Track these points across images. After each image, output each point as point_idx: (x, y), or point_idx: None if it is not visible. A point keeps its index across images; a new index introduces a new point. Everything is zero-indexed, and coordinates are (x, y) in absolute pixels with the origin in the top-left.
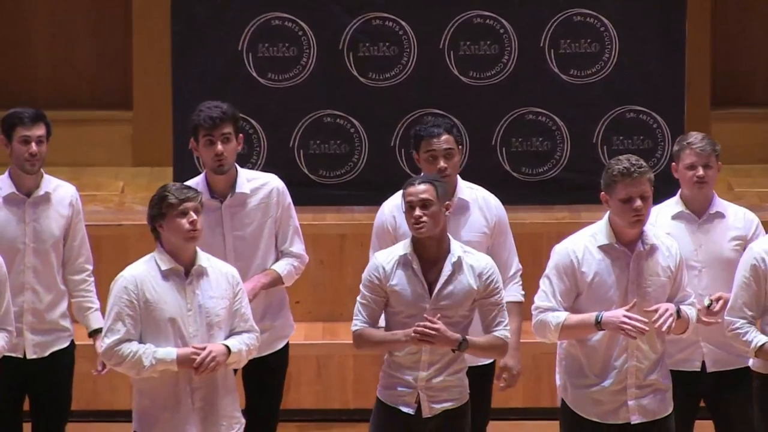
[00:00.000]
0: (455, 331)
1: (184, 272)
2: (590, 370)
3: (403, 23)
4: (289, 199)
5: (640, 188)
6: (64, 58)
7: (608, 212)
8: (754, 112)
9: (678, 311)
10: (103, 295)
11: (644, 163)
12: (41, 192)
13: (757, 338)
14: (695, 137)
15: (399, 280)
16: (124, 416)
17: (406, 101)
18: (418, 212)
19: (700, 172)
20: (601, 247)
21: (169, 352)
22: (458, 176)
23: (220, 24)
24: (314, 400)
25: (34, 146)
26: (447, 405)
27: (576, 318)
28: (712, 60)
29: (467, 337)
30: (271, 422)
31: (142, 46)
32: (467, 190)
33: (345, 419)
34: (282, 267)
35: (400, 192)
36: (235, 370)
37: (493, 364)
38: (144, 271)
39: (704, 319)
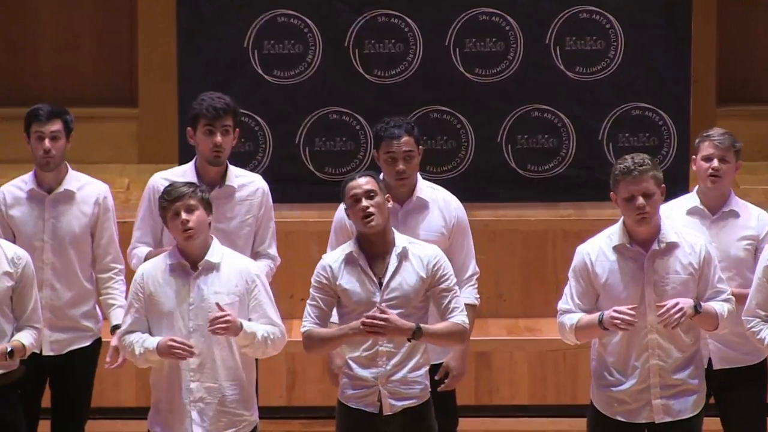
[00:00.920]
0: None
1: (193, 266)
2: (614, 370)
3: (408, 20)
4: (271, 202)
5: (642, 186)
6: (70, 55)
7: None
8: (760, 109)
9: (696, 307)
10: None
11: (649, 162)
12: (62, 189)
13: None
14: (716, 131)
15: (347, 279)
16: (130, 413)
17: (412, 98)
18: (365, 203)
19: (715, 164)
20: (615, 248)
21: (153, 341)
22: (419, 176)
23: (226, 21)
24: (320, 398)
25: (47, 142)
26: (408, 403)
27: (586, 319)
28: (717, 57)
29: (421, 325)
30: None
31: (147, 43)
32: (427, 190)
33: None
34: (261, 267)
35: None
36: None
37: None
38: (155, 265)
39: None
